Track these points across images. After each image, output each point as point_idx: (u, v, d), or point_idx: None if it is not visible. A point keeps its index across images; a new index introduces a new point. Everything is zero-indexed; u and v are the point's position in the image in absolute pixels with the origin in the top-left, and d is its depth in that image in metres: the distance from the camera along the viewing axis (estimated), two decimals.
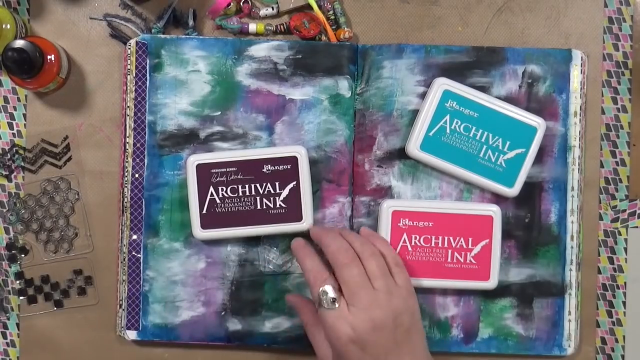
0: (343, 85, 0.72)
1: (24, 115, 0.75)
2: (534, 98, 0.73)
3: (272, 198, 0.70)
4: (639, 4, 0.75)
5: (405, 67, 0.72)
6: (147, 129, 0.73)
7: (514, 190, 0.71)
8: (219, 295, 0.72)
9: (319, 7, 0.74)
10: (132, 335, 0.72)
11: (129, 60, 0.73)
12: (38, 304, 0.75)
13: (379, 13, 0.75)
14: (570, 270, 0.73)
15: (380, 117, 0.72)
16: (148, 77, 0.73)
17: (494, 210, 0.70)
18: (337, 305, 0.61)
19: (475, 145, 0.71)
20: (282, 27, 0.74)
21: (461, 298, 0.73)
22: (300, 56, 0.73)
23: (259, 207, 0.70)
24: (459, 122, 0.71)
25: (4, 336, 0.75)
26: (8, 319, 0.75)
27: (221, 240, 0.72)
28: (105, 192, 0.75)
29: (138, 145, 0.73)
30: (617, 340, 0.75)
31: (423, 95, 0.72)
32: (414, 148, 0.71)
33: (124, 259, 0.73)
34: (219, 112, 0.73)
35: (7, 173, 0.75)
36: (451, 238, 0.70)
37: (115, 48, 0.75)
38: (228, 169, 0.70)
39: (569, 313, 0.73)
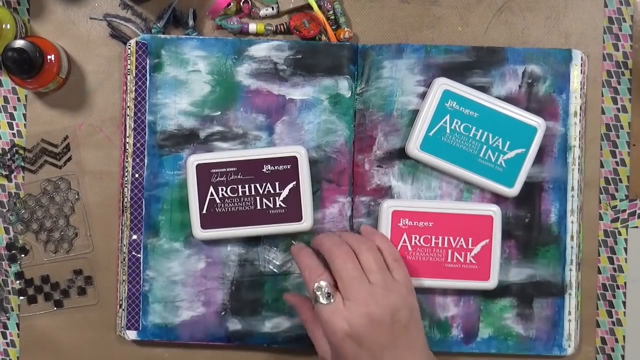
0: (343, 85, 0.73)
1: (24, 115, 0.75)
2: (534, 98, 0.73)
3: (272, 198, 0.70)
4: (639, 4, 0.75)
5: (405, 67, 0.72)
6: (147, 129, 0.73)
7: (514, 190, 0.71)
8: (219, 295, 0.72)
9: (319, 7, 0.74)
10: (132, 335, 0.72)
11: (129, 60, 0.73)
12: (38, 304, 0.75)
13: (379, 13, 0.75)
14: (570, 270, 0.73)
15: (380, 117, 0.72)
16: (148, 77, 0.73)
17: (494, 210, 0.71)
18: (332, 300, 0.60)
19: (475, 145, 0.71)
20: (282, 27, 0.74)
21: (461, 298, 0.73)
22: (300, 56, 0.73)
23: (259, 207, 0.70)
24: (459, 122, 0.71)
25: (4, 336, 0.75)
26: (8, 319, 0.75)
27: (221, 240, 0.72)
28: (105, 192, 0.75)
29: (138, 145, 0.73)
30: (617, 340, 0.75)
31: (423, 95, 0.72)
32: (414, 148, 0.71)
33: (124, 259, 0.73)
34: (219, 112, 0.73)
35: (7, 173, 0.75)
36: (451, 238, 0.70)
37: (115, 48, 0.75)
38: (228, 169, 0.70)
39: (569, 313, 0.73)
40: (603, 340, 0.75)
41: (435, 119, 0.71)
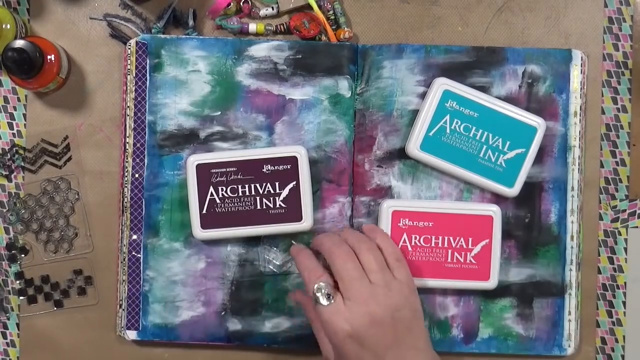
0: (343, 85, 0.72)
1: (24, 115, 0.75)
2: (534, 98, 0.73)
3: (272, 198, 0.70)
4: (639, 4, 0.75)
5: (405, 67, 0.72)
6: (147, 129, 0.73)
7: (514, 190, 0.71)
8: (219, 295, 0.72)
9: (319, 7, 0.74)
10: (132, 335, 0.72)
11: (129, 60, 0.73)
12: (38, 304, 0.75)
13: (379, 13, 0.75)
14: (570, 270, 0.73)
15: (380, 117, 0.72)
16: (148, 77, 0.73)
17: (494, 210, 0.70)
18: (332, 301, 0.60)
19: (475, 145, 0.71)
20: (282, 27, 0.74)
21: (461, 298, 0.73)
22: (300, 56, 0.73)
23: (259, 207, 0.70)
24: (459, 122, 0.71)
25: (4, 336, 0.75)
26: (8, 319, 0.75)
27: (221, 240, 0.72)
28: (105, 192, 0.75)
29: (138, 145, 0.73)
30: (617, 340, 0.75)
31: (423, 95, 0.72)
32: (414, 148, 0.71)
33: (124, 259, 0.73)
34: (219, 112, 0.73)
35: (7, 173, 0.75)
36: (451, 238, 0.70)
37: (115, 48, 0.75)
38: (228, 169, 0.70)
39: (569, 313, 0.73)
40: (603, 340, 0.75)
41: (435, 119, 0.71)
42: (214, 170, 0.70)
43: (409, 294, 0.62)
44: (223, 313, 0.72)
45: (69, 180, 0.75)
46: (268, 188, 0.70)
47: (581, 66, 0.73)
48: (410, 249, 0.70)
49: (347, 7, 0.75)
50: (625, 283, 0.75)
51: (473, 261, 0.70)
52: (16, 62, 0.68)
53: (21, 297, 0.75)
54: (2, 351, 0.75)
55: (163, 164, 0.73)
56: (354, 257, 0.62)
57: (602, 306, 0.75)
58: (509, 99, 0.72)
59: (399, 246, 0.70)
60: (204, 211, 0.70)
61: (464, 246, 0.70)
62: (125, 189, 0.73)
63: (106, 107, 0.75)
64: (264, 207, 0.70)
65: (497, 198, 0.72)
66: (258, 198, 0.70)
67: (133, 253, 0.72)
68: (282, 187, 0.70)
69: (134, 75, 0.73)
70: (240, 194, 0.70)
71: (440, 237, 0.70)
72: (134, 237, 0.73)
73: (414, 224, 0.70)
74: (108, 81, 0.75)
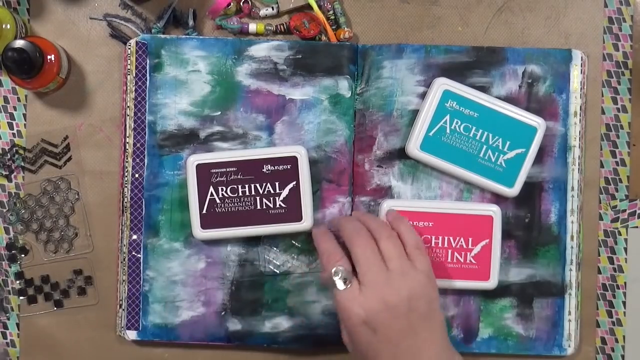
0: (343, 85, 0.72)
1: (24, 115, 0.75)
2: (534, 98, 0.73)
3: (272, 198, 0.70)
4: (639, 4, 0.75)
5: (405, 67, 0.72)
6: (147, 129, 0.73)
7: (514, 190, 0.71)
8: (219, 295, 0.72)
9: (319, 7, 0.74)
10: (132, 335, 0.72)
11: (129, 60, 0.73)
12: (38, 304, 0.75)
13: (379, 13, 0.75)
14: (570, 270, 0.73)
15: (380, 117, 0.72)
16: (148, 77, 0.73)
17: (494, 210, 0.70)
18: (349, 286, 0.60)
19: (475, 145, 0.71)
20: (282, 27, 0.74)
21: (461, 298, 0.73)
22: (300, 56, 0.73)
23: (258, 207, 0.70)
24: (459, 122, 0.71)
25: (4, 336, 0.75)
26: (8, 319, 0.75)
27: (221, 240, 0.72)
28: (105, 192, 0.75)
29: (138, 145, 0.73)
30: (617, 340, 0.75)
31: (423, 95, 0.72)
32: (414, 148, 0.71)
33: (124, 259, 0.73)
34: (219, 112, 0.73)
35: (7, 173, 0.75)
36: (451, 238, 0.70)
37: (115, 48, 0.75)
38: (228, 169, 0.70)
39: (569, 313, 0.73)
40: (603, 340, 0.75)
41: (435, 119, 0.71)
42: (214, 170, 0.70)
43: (427, 284, 0.61)
44: (223, 313, 0.72)
45: (69, 180, 0.75)
46: (268, 188, 0.70)
47: (581, 66, 0.73)
48: None
49: (347, 7, 0.75)
50: (625, 283, 0.75)
51: (473, 261, 0.70)
52: (16, 62, 0.68)
53: (21, 297, 0.75)
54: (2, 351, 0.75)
55: (163, 164, 0.73)
56: (373, 244, 0.62)
57: (602, 306, 0.75)
58: (509, 99, 0.72)
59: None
60: (204, 211, 0.70)
61: (464, 246, 0.70)
62: (125, 189, 0.73)
63: (106, 107, 0.75)
64: (264, 207, 0.70)
65: (497, 198, 0.72)
66: (258, 198, 0.70)
67: (133, 253, 0.72)
68: (282, 187, 0.70)
69: (134, 75, 0.73)
70: (240, 194, 0.70)
71: (440, 237, 0.70)
72: (134, 237, 0.73)
73: (414, 224, 0.70)
74: (108, 81, 0.75)
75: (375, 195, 0.72)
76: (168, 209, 0.73)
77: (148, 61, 0.73)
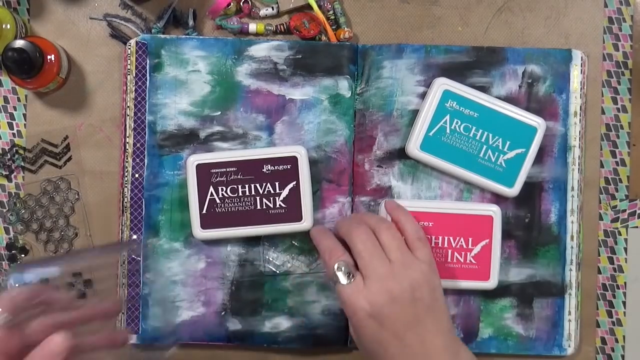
0: (343, 85, 0.72)
1: (24, 115, 0.75)
2: (534, 98, 0.73)
3: (272, 198, 0.70)
4: (639, 4, 0.75)
5: (405, 67, 0.72)
6: (147, 129, 0.73)
7: (514, 190, 0.71)
8: (219, 295, 0.72)
9: (319, 7, 0.74)
10: (131, 339, 0.72)
11: (129, 60, 0.73)
12: None
13: (379, 13, 0.75)
14: (570, 270, 0.73)
15: (380, 117, 0.72)
16: (148, 77, 0.73)
17: (494, 210, 0.70)
18: (352, 280, 0.60)
19: (475, 145, 0.71)
20: (282, 27, 0.74)
21: (461, 298, 0.73)
22: (300, 56, 0.73)
23: (259, 207, 0.70)
24: (459, 122, 0.71)
25: None
26: None
27: (221, 240, 0.72)
28: (105, 192, 0.75)
29: (138, 145, 0.73)
30: (617, 340, 0.75)
31: (423, 95, 0.72)
32: (414, 148, 0.71)
33: (124, 262, 0.73)
34: (219, 112, 0.73)
35: (7, 173, 0.75)
36: (451, 238, 0.70)
37: (115, 48, 0.75)
38: (228, 169, 0.70)
39: (569, 313, 0.73)
40: (603, 340, 0.75)
41: (435, 119, 0.71)
42: (214, 170, 0.70)
43: (429, 273, 0.61)
44: (223, 313, 0.72)
45: (69, 180, 0.75)
46: (268, 188, 0.70)
47: (581, 66, 0.73)
48: None
49: (347, 7, 0.75)
50: (625, 283, 0.75)
51: (473, 261, 0.70)
52: (16, 62, 0.68)
53: None
54: None
55: (163, 164, 0.73)
56: (372, 237, 0.62)
57: (602, 306, 0.75)
58: (509, 99, 0.72)
59: None
60: (204, 211, 0.70)
61: (464, 246, 0.70)
62: (125, 189, 0.73)
63: (106, 107, 0.75)
64: (264, 207, 0.70)
65: (497, 198, 0.72)
66: (258, 198, 0.70)
67: (133, 256, 0.72)
68: (282, 187, 0.70)
69: (134, 75, 0.73)
70: (240, 194, 0.70)
71: (440, 237, 0.70)
72: (134, 237, 0.73)
73: None
74: (108, 81, 0.75)
75: (375, 195, 0.72)
76: (168, 209, 0.72)
77: (148, 61, 0.73)
